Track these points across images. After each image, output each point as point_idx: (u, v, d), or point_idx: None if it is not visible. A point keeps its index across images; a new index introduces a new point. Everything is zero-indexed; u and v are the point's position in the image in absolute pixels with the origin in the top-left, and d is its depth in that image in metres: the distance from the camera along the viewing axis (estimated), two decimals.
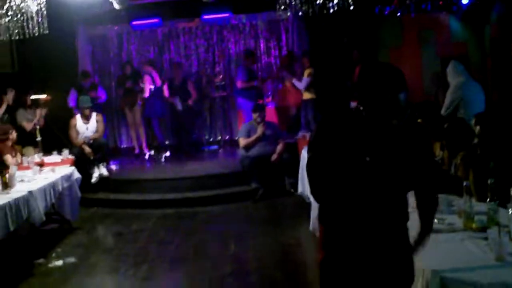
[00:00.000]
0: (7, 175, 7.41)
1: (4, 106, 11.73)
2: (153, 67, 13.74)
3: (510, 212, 3.88)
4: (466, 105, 8.33)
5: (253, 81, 12.85)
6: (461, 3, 12.10)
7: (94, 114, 11.58)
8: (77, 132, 11.40)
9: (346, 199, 3.17)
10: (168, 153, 13.72)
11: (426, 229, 3.43)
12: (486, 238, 3.79)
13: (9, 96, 11.86)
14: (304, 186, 8.69)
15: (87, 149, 11.20)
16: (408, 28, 12.87)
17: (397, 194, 3.24)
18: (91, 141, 11.38)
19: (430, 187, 3.38)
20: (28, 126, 11.82)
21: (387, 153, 3.12)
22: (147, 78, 13.51)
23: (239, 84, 12.79)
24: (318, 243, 3.45)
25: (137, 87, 13.58)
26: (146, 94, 13.51)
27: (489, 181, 4.25)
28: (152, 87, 13.48)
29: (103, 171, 11.26)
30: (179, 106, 13.35)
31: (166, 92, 13.62)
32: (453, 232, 4.19)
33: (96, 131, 11.51)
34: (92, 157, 11.18)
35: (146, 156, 13.73)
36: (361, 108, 3.20)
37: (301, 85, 12.46)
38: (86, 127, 11.46)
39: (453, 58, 9.30)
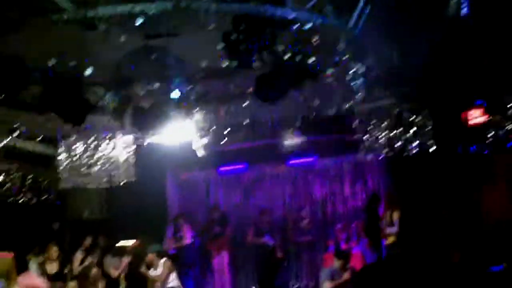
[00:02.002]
0: None
1: (79, 254, 12.05)
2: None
3: None
4: None
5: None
6: None
7: (162, 261, 11.51)
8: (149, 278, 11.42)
9: None
10: None
11: None
12: None
13: (86, 243, 12.24)
14: None
15: None
16: (497, 167, 12.50)
17: None
18: None
19: None
20: (114, 273, 12.01)
21: None
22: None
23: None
24: None
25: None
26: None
27: None
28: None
29: None
30: (271, 242, 13.41)
31: (250, 237, 13.64)
32: None
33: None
34: None
35: None
36: None
37: (394, 229, 12.23)
38: (154, 274, 11.41)
39: None
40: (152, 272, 11.41)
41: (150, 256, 11.49)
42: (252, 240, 13.65)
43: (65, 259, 11.88)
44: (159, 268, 11.43)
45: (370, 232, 13.14)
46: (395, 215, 12.20)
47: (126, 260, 12.39)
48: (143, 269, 11.45)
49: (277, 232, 13.85)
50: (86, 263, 12.03)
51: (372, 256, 13.08)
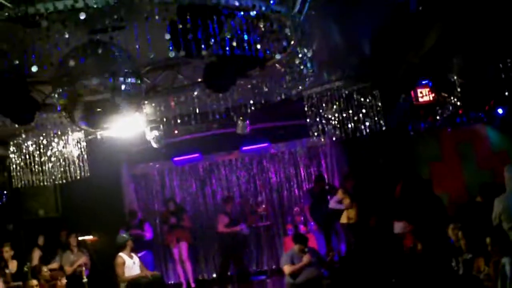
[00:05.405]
0: None
1: (37, 252, 11.95)
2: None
3: None
4: (509, 217, 7.83)
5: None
6: (497, 112, 11.97)
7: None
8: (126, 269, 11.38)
9: None
10: None
11: None
12: None
13: (40, 241, 12.15)
14: None
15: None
16: (446, 143, 12.78)
17: None
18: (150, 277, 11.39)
19: None
20: (68, 270, 11.88)
21: None
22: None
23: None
24: None
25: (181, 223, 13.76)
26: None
27: None
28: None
29: None
30: (246, 231, 13.67)
31: (220, 227, 13.77)
32: None
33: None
34: None
35: None
36: None
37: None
38: (133, 262, 11.43)
39: None
40: (131, 261, 11.41)
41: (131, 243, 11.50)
42: (225, 230, 13.72)
43: (23, 259, 11.79)
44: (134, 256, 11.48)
45: (315, 215, 13.35)
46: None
47: (86, 254, 12.32)
48: (122, 261, 11.42)
49: (236, 219, 14.02)
50: (54, 264, 11.98)
51: (319, 237, 13.30)
